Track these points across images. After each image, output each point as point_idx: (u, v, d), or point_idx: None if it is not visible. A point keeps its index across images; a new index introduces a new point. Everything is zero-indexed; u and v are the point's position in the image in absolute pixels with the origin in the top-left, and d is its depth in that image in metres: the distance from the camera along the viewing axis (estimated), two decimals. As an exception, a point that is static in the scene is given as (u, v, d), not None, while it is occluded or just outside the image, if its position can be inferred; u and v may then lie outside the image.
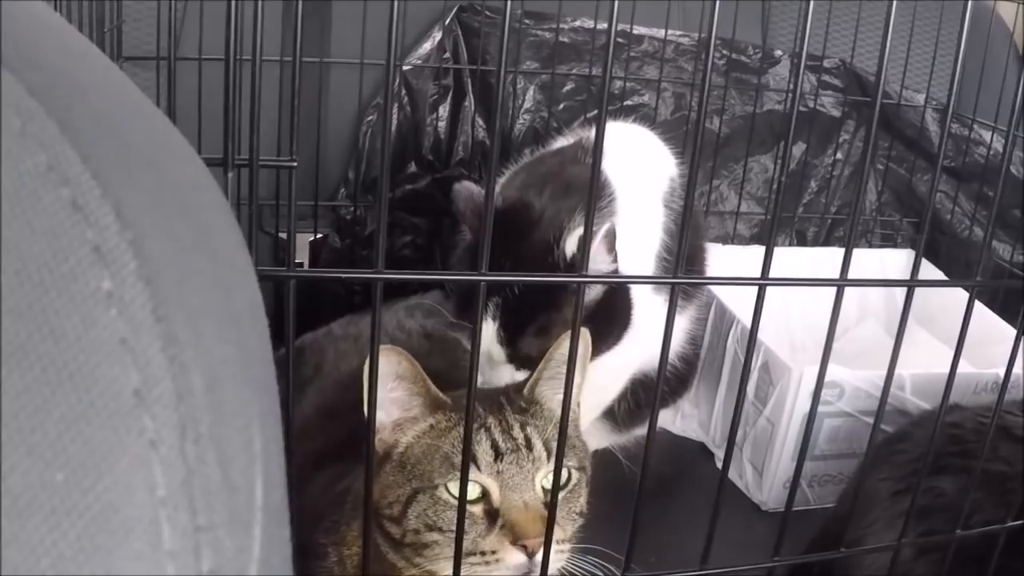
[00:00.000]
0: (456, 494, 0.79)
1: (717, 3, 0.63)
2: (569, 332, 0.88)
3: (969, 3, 0.73)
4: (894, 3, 0.68)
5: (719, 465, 1.46)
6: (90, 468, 0.23)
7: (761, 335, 1.40)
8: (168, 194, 0.29)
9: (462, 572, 0.77)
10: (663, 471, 1.41)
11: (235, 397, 0.27)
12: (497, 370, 1.11)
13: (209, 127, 1.13)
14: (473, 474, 0.80)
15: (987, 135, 1.86)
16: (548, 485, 0.83)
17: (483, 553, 0.80)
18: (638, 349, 1.21)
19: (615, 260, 1.07)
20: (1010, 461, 1.05)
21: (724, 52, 1.83)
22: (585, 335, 0.87)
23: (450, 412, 0.85)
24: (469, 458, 0.71)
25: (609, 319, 1.14)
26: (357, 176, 1.67)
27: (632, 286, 1.15)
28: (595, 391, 1.30)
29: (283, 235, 1.46)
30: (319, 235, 1.65)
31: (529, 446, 0.83)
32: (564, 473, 0.84)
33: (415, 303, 1.40)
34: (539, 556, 0.78)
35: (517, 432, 0.84)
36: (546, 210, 1.12)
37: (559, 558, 0.84)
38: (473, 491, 0.81)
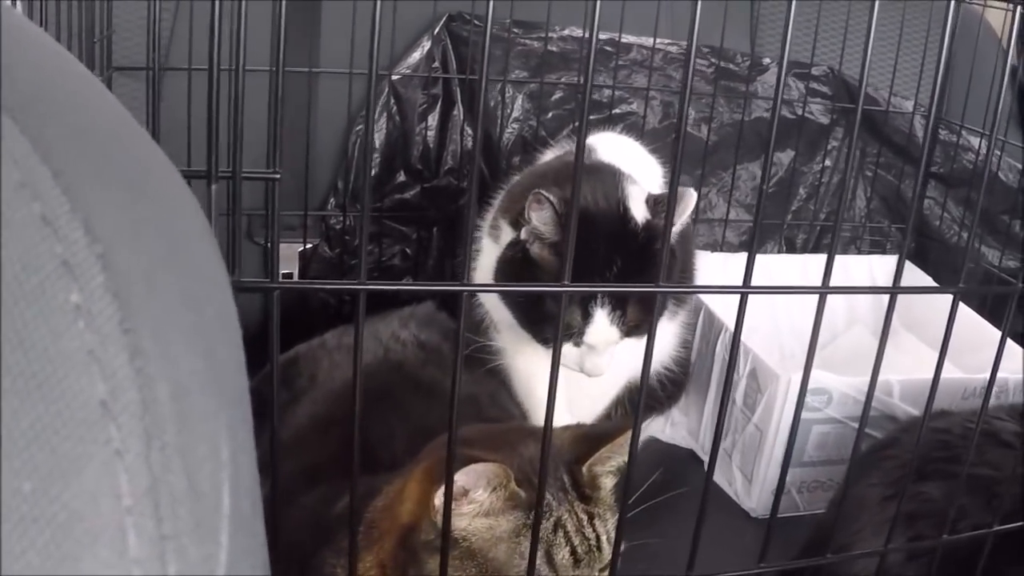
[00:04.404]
0: None
1: (699, 5, 0.64)
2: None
3: (951, 7, 0.74)
4: (875, 7, 0.68)
5: (710, 473, 1.47)
6: (57, 477, 0.24)
7: (749, 342, 1.41)
8: (139, 208, 0.29)
9: None
10: (652, 479, 1.41)
11: (202, 406, 0.28)
12: (593, 357, 1.14)
13: (198, 138, 1.14)
14: None
15: (975, 141, 1.87)
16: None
17: None
18: (631, 355, 1.22)
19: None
20: (997, 466, 1.05)
21: (712, 60, 1.83)
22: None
23: (525, 508, 0.83)
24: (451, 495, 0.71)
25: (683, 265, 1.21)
26: (346, 186, 1.67)
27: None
28: (590, 398, 1.31)
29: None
30: (308, 245, 1.65)
31: (599, 546, 0.84)
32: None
33: (408, 313, 1.40)
34: None
35: (590, 532, 0.84)
36: (596, 193, 1.14)
37: None
38: None
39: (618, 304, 1.10)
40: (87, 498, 0.24)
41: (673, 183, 0.70)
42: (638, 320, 1.11)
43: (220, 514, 0.27)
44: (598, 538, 0.84)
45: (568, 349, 1.13)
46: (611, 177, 1.17)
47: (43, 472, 0.23)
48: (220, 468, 0.28)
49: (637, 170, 1.31)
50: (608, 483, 0.89)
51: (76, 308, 0.25)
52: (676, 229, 1.12)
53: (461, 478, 0.79)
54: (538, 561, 0.80)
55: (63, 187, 0.26)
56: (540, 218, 1.09)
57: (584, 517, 0.84)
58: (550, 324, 1.12)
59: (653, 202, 1.13)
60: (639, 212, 1.13)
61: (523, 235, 1.12)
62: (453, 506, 0.80)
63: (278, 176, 0.64)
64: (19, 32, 0.33)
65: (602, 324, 1.10)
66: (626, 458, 0.89)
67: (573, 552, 0.82)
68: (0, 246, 0.24)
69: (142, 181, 0.31)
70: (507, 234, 1.19)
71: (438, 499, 0.81)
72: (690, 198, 1.12)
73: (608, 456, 0.88)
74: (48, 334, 0.24)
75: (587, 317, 1.10)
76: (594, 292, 1.09)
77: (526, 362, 1.31)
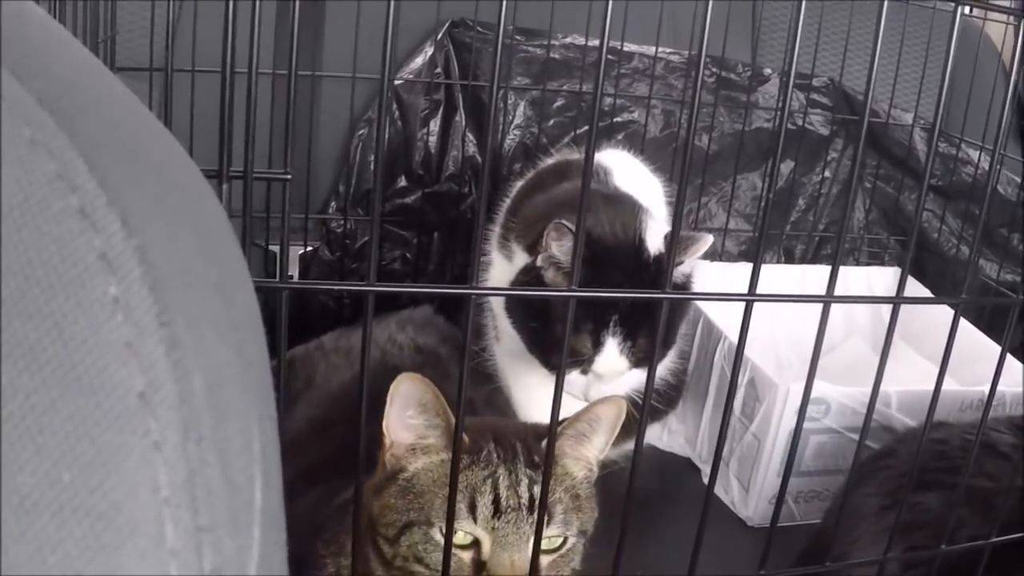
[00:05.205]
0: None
1: (709, 13, 0.64)
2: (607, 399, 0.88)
3: (957, 22, 0.74)
4: (882, 23, 0.69)
5: (705, 480, 1.47)
6: (96, 467, 0.24)
7: (748, 352, 1.40)
8: (171, 202, 0.30)
9: None
10: (650, 486, 1.41)
11: (236, 400, 0.28)
12: (599, 386, 1.14)
13: (201, 138, 1.13)
14: (468, 524, 0.80)
15: (974, 154, 1.87)
16: (544, 546, 0.82)
17: None
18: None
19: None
20: (995, 477, 1.05)
21: (714, 70, 1.84)
22: (621, 404, 0.87)
23: (465, 453, 0.82)
24: (455, 499, 0.71)
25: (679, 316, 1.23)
26: (348, 189, 1.68)
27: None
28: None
29: (273, 248, 1.46)
30: (309, 248, 1.65)
31: (532, 507, 0.82)
32: (560, 538, 0.84)
33: (406, 316, 1.40)
34: None
35: (523, 490, 0.82)
36: (615, 225, 1.15)
37: None
38: (465, 539, 0.81)
39: (629, 335, 1.11)
40: (126, 489, 0.24)
41: (675, 224, 0.70)
42: (647, 352, 1.12)
43: (253, 508, 0.27)
44: (531, 501, 0.82)
45: (575, 377, 1.14)
46: (631, 209, 1.18)
47: (82, 463, 0.24)
48: (253, 462, 0.28)
49: (645, 192, 1.32)
50: (573, 469, 0.87)
51: (114, 301, 0.25)
52: (687, 268, 1.16)
53: (393, 395, 0.82)
54: (460, 504, 0.80)
55: (99, 180, 0.26)
56: (560, 247, 1.09)
57: (524, 479, 0.83)
58: (559, 350, 1.12)
59: (670, 239, 1.14)
60: (654, 246, 1.14)
61: (539, 261, 1.13)
62: (399, 433, 0.84)
63: (289, 176, 0.64)
64: (47, 30, 0.33)
65: (612, 354, 1.11)
66: (606, 450, 0.89)
67: (496, 502, 0.81)
68: (39, 237, 0.24)
69: (170, 176, 0.31)
70: (520, 257, 1.19)
71: (386, 435, 0.84)
72: (704, 242, 1.13)
73: (572, 434, 0.86)
74: (87, 326, 0.25)
75: (598, 346, 1.11)
76: (606, 321, 1.10)
77: (526, 387, 1.32)
